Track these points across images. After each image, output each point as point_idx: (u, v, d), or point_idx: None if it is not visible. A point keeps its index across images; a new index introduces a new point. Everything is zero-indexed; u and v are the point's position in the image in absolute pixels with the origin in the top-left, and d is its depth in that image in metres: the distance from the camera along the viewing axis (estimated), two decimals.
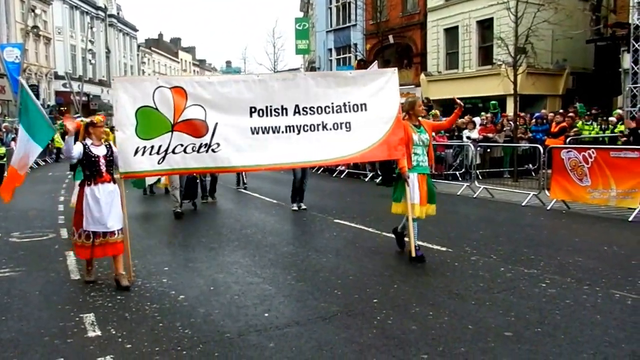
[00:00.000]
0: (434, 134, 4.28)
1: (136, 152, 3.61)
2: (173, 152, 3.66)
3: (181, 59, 52.11)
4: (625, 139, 7.85)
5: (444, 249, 4.53)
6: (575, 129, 9.96)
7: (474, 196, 7.90)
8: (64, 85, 27.12)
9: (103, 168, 3.61)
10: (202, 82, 3.78)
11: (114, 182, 3.68)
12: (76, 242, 3.67)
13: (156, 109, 3.63)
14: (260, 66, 28.26)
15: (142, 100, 3.62)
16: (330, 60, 21.27)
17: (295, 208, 6.72)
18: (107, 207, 3.58)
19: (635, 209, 5.75)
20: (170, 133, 3.65)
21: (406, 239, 4.24)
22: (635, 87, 9.86)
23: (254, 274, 3.88)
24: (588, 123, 10.34)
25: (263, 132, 3.82)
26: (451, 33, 16.48)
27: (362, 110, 4.03)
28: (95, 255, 3.66)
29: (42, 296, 3.46)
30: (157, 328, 2.84)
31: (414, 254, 4.01)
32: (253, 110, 3.82)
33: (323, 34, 21.58)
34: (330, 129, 3.95)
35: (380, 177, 9.70)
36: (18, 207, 6.45)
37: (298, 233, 5.58)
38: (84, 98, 26.61)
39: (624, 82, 10.95)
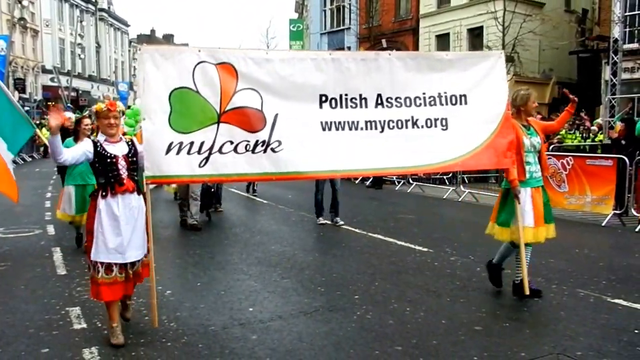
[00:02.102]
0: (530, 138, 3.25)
1: (169, 149, 2.66)
2: (220, 151, 2.73)
3: None
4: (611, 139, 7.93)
5: (425, 249, 4.69)
6: (558, 137, 10.32)
7: (459, 200, 8.15)
8: (52, 79, 26.68)
9: (124, 173, 2.57)
10: (257, 59, 2.84)
11: (139, 193, 2.64)
12: (94, 278, 2.54)
13: (197, 91, 2.70)
14: None
15: (179, 79, 2.68)
16: None
17: (324, 222, 5.80)
18: (129, 228, 2.55)
19: (608, 214, 6.02)
20: (216, 125, 2.71)
21: (504, 270, 3.41)
22: (613, 98, 10.25)
23: (240, 271, 3.97)
24: (570, 132, 10.73)
25: (337, 129, 2.95)
26: (442, 40, 16.81)
27: (461, 103, 3.18)
28: (117, 295, 2.59)
29: (27, 290, 3.48)
30: (142, 321, 2.90)
31: (527, 291, 3.13)
32: (323, 99, 2.94)
33: (317, 36, 21.73)
34: (422, 127, 3.10)
35: (370, 179, 9.86)
36: (4, 203, 6.37)
37: (286, 232, 5.66)
38: (72, 93, 26.20)
39: (604, 93, 11.37)
